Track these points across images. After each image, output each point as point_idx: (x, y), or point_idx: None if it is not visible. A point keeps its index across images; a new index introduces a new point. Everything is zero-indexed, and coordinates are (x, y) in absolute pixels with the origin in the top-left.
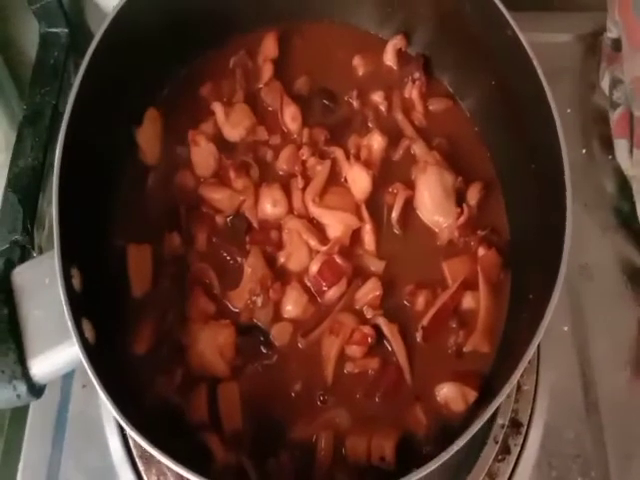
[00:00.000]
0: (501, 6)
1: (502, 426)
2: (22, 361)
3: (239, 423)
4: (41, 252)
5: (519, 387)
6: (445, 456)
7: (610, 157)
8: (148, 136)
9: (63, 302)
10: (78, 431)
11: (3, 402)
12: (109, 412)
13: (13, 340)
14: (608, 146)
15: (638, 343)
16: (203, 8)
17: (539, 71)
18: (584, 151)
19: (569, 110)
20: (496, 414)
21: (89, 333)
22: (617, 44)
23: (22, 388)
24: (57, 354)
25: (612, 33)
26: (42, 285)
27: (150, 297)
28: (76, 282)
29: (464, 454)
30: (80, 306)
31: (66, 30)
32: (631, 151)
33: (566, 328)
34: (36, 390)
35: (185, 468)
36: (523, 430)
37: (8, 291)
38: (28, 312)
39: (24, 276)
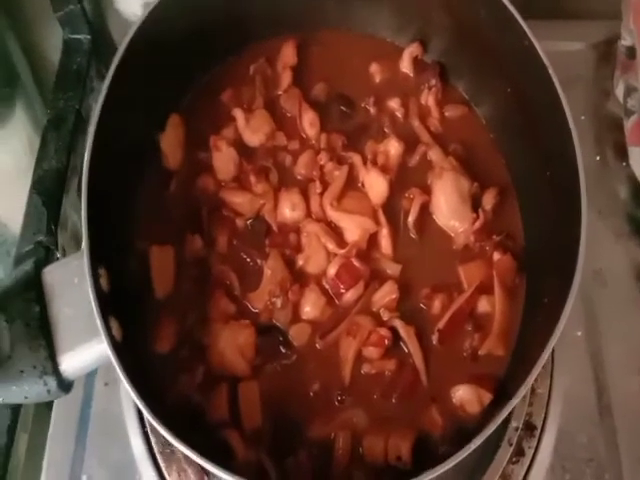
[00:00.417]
0: (517, 15)
1: (516, 429)
2: (52, 357)
3: (259, 421)
4: (64, 253)
5: (533, 390)
6: (461, 455)
7: (624, 164)
8: (171, 141)
9: (92, 301)
10: (101, 428)
11: (34, 397)
12: (131, 409)
13: (44, 337)
14: (622, 153)
15: None
16: (224, 17)
17: (554, 79)
18: (598, 158)
19: (583, 117)
20: (510, 417)
21: (116, 331)
22: (631, 52)
23: (52, 383)
24: (86, 351)
25: (626, 41)
26: (71, 284)
27: (172, 298)
28: (104, 282)
29: (478, 456)
30: (108, 305)
31: (89, 37)
32: None
33: (580, 333)
34: (65, 385)
35: (211, 462)
36: (537, 433)
37: (39, 289)
38: (58, 310)
39: (54, 275)
